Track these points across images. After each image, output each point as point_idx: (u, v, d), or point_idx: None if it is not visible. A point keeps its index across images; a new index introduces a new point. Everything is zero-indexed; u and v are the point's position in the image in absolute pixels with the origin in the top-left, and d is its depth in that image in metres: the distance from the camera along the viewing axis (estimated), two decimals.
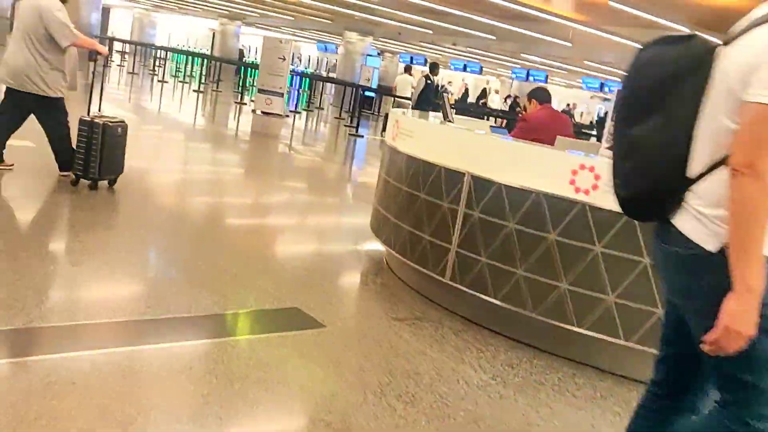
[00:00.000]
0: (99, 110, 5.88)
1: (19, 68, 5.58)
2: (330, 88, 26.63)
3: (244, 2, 23.32)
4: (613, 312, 3.44)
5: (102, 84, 6.10)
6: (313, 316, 3.63)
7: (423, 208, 4.18)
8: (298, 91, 23.83)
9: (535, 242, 3.60)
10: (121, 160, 5.85)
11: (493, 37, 19.26)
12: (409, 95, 13.75)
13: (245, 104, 17.75)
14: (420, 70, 20.82)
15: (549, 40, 17.27)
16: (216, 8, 27.84)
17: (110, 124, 5.62)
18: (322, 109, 22.61)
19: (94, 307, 3.39)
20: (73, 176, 5.68)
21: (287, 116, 16.28)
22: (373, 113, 23.20)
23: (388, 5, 17.44)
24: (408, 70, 16.93)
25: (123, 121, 5.82)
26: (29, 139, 7.38)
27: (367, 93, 20.73)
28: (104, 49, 5.91)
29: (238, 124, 13.97)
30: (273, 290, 4.00)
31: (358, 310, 3.98)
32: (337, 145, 13.49)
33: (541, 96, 5.49)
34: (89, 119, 5.60)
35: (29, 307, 3.16)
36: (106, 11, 35.67)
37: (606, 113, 38.46)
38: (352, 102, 21.04)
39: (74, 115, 5.79)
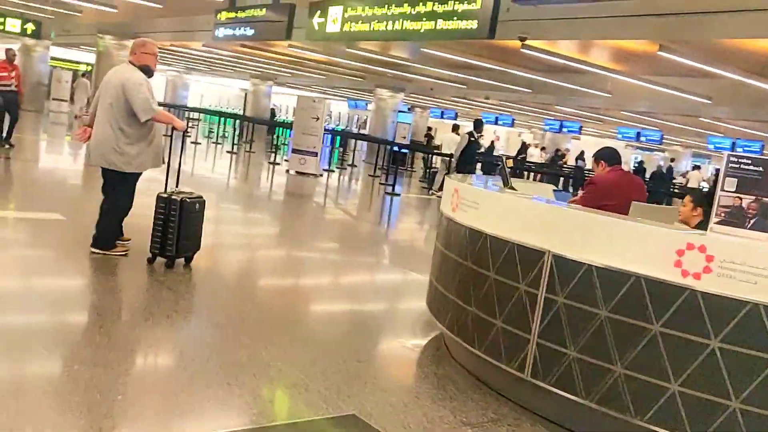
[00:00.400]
0: (176, 186, 5.57)
1: (97, 142, 5.41)
2: (362, 144, 26.49)
3: (276, 63, 23.40)
4: (737, 420, 2.85)
5: (180, 159, 5.79)
6: (374, 426, 3.09)
7: (493, 290, 3.66)
8: (331, 148, 23.68)
9: (634, 334, 3.05)
10: (198, 236, 5.58)
11: (529, 90, 18.91)
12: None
13: (278, 164, 17.53)
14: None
15: (587, 91, 16.85)
16: (248, 69, 28.06)
17: (188, 200, 5.38)
18: (355, 166, 22.34)
19: (120, 425, 2.90)
20: (150, 254, 5.45)
21: (321, 175, 15.99)
22: (406, 169, 22.88)
23: (421, 62, 17.24)
24: (455, 129, 16.65)
25: (201, 197, 5.56)
26: (57, 210, 7.09)
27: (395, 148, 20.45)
28: (182, 124, 5.65)
29: (272, 185, 13.65)
30: (324, 390, 3.48)
31: (423, 413, 3.42)
32: (376, 206, 13.06)
33: (610, 157, 4.99)
34: (166, 196, 5.37)
35: None
36: None
37: (641, 161, 37.68)
38: (386, 159, 20.77)
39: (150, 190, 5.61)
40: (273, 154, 18.94)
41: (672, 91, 14.43)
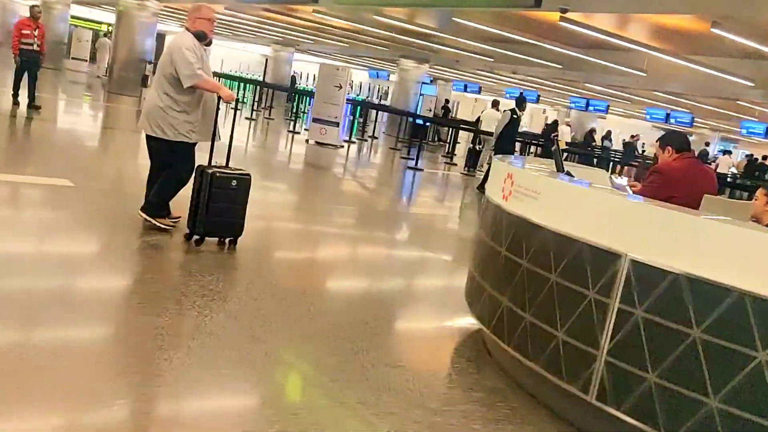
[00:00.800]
0: (227, 160, 5.19)
1: (147, 110, 5.13)
2: (382, 116, 25.88)
3: (299, 29, 22.76)
4: None
5: (231, 132, 5.36)
6: None
7: (554, 295, 3.15)
8: (352, 119, 23.10)
9: (735, 362, 2.54)
10: (236, 218, 5.07)
11: (560, 66, 18.20)
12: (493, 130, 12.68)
13: (298, 133, 17.00)
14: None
15: (621, 69, 16.13)
16: (270, 35, 27.43)
17: (219, 174, 4.91)
18: (376, 138, 21.77)
19: None
20: (188, 230, 5.09)
21: (341, 147, 15.47)
22: (427, 142, 22.31)
23: (450, 32, 16.57)
24: (495, 105, 15.99)
25: (244, 174, 5.07)
26: (66, 176, 6.64)
27: (420, 122, 19.86)
28: (229, 93, 5.16)
29: (292, 156, 13.15)
30: (357, 404, 3.00)
31: None
32: (402, 182, 12.52)
33: (679, 143, 4.43)
34: (200, 168, 5.00)
35: None
36: (161, 37, 35.75)
37: None
38: (408, 132, 20.19)
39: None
40: (292, 123, 18.40)
41: (716, 73, 13.69)
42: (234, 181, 4.98)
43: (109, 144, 10.63)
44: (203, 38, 5.14)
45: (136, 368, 3.02)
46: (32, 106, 11.37)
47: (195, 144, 5.25)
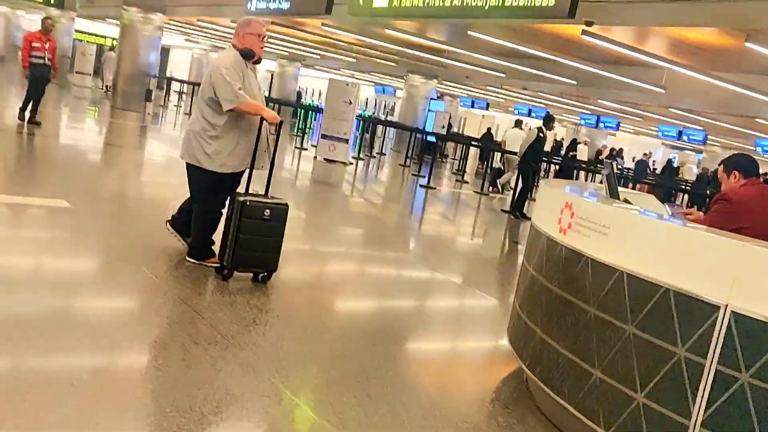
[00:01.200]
0: (267, 188, 4.76)
1: (185, 136, 4.73)
2: (389, 132, 25.51)
3: (306, 43, 22.43)
4: None
5: (273, 158, 4.91)
6: None
7: (631, 349, 2.66)
8: (360, 135, 22.70)
9: None
10: (270, 252, 4.60)
11: (574, 82, 17.77)
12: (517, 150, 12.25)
13: (305, 149, 16.57)
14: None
15: (639, 85, 15.68)
16: (276, 50, 27.11)
17: (250, 203, 4.44)
18: (384, 154, 21.34)
19: None
20: (218, 263, 4.65)
21: (351, 163, 15.03)
22: (435, 159, 21.89)
23: (463, 47, 16.18)
24: (518, 124, 15.61)
25: (281, 204, 4.59)
26: (62, 197, 6.18)
27: (430, 139, 19.46)
28: (273, 115, 4.65)
29: (302, 173, 12.70)
30: None
31: None
32: (417, 202, 12.05)
33: (747, 167, 3.97)
34: (233, 196, 4.56)
35: None
36: (165, 51, 35.51)
37: (669, 160, 36.19)
38: (419, 149, 19.80)
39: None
40: (299, 139, 17.98)
41: (739, 89, 13.23)
42: (267, 210, 4.49)
43: (111, 162, 10.18)
44: (251, 56, 4.65)
45: None
46: (33, 121, 10.92)
47: (231, 174, 4.75)
